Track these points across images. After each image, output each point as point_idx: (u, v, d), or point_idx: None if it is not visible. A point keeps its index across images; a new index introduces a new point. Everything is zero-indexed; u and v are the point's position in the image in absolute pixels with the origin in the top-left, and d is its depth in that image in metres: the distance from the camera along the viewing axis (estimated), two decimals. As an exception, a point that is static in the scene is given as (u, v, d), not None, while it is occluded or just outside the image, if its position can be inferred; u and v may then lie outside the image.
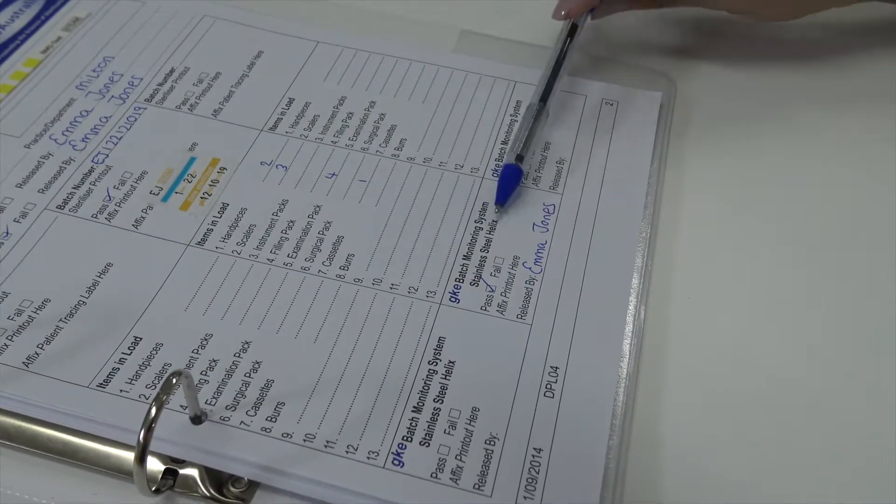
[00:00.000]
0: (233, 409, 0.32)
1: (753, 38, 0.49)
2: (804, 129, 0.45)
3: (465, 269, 0.37)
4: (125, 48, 0.47)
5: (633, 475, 0.32)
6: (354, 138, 0.43)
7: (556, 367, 0.34)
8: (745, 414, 0.34)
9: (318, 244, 0.38)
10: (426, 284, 0.37)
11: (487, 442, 0.32)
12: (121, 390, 0.32)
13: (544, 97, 0.41)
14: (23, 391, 0.32)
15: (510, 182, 0.39)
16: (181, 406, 0.32)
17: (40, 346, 0.34)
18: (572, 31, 0.43)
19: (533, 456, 0.31)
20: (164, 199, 0.39)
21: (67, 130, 0.42)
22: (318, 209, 0.39)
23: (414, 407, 0.33)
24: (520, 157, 0.40)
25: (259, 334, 0.35)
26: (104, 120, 0.43)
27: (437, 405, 0.33)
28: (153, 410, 0.28)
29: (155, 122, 0.43)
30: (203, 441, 0.31)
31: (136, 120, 0.43)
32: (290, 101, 0.44)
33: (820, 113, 0.46)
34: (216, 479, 0.31)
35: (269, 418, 0.32)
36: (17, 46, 0.47)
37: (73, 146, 0.42)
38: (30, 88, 0.44)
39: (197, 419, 0.31)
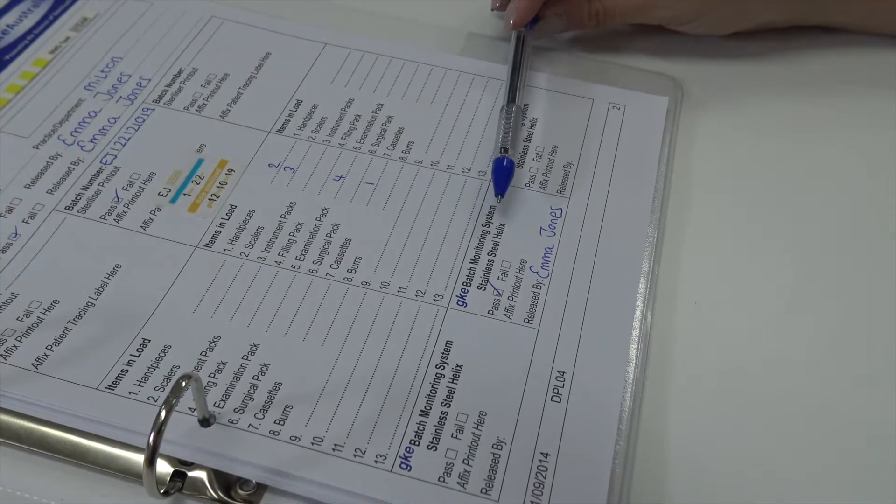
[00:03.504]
0: (241, 411, 0.32)
1: (761, 42, 0.49)
2: (813, 134, 0.45)
3: (472, 272, 0.37)
4: (133, 49, 0.47)
5: (639, 480, 0.32)
6: (362, 141, 0.43)
7: (563, 372, 0.34)
8: (752, 419, 0.34)
9: (326, 247, 0.38)
10: (434, 288, 0.37)
11: (495, 446, 0.32)
12: (129, 392, 0.32)
13: (511, 99, 0.43)
14: (32, 392, 0.32)
15: (500, 172, 0.40)
16: (189, 408, 0.32)
17: (49, 347, 0.34)
18: (521, 40, 0.46)
19: (540, 460, 0.31)
20: (173, 200, 0.40)
21: (76, 131, 0.42)
22: (325, 212, 0.39)
23: (421, 411, 0.33)
24: (504, 149, 0.40)
25: (267, 337, 0.35)
26: (112, 121, 0.43)
27: (445, 409, 0.33)
28: (163, 413, 0.28)
29: (163, 123, 0.43)
30: (211, 443, 0.31)
31: (144, 121, 0.43)
32: (298, 102, 0.44)
33: (829, 117, 0.46)
34: (224, 481, 0.31)
35: (277, 421, 0.32)
36: (26, 46, 0.47)
37: (82, 147, 0.42)
38: (38, 89, 0.44)
39: (205, 422, 0.32)
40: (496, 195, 0.39)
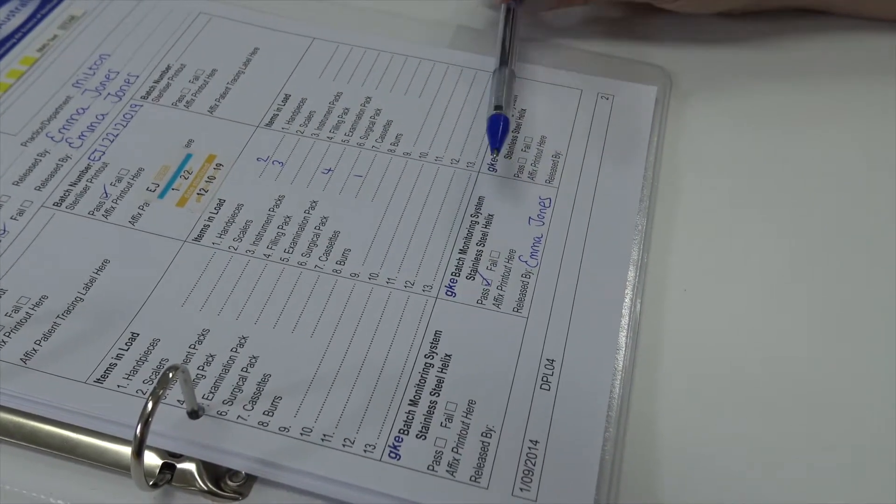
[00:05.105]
0: (230, 403, 0.32)
1: (751, 28, 0.49)
2: (805, 121, 0.45)
3: (461, 262, 0.37)
4: (121, 46, 0.47)
5: (629, 467, 0.32)
6: (350, 134, 0.43)
7: (553, 360, 0.34)
8: (742, 406, 0.34)
9: (315, 239, 0.38)
10: (422, 278, 0.37)
11: (484, 434, 0.32)
12: (118, 386, 0.32)
13: (503, 61, 0.44)
14: (21, 387, 0.32)
15: (495, 125, 0.40)
16: (178, 401, 0.32)
17: (38, 342, 0.34)
18: (511, 11, 0.46)
19: (529, 448, 0.31)
20: (161, 195, 0.40)
21: (64, 128, 0.42)
22: (314, 205, 0.39)
23: (410, 400, 0.33)
24: (498, 107, 0.40)
25: (256, 329, 0.35)
26: (100, 117, 0.43)
27: (434, 398, 0.33)
28: (150, 405, 0.28)
29: (151, 119, 0.43)
30: (200, 435, 0.31)
31: (132, 117, 0.43)
32: (286, 97, 0.44)
33: (819, 106, 0.46)
34: (213, 473, 0.31)
35: (266, 412, 0.32)
36: (14, 44, 0.47)
37: (70, 143, 0.42)
38: (26, 86, 0.44)
39: (194, 414, 0.32)
40: (492, 150, 0.39)
